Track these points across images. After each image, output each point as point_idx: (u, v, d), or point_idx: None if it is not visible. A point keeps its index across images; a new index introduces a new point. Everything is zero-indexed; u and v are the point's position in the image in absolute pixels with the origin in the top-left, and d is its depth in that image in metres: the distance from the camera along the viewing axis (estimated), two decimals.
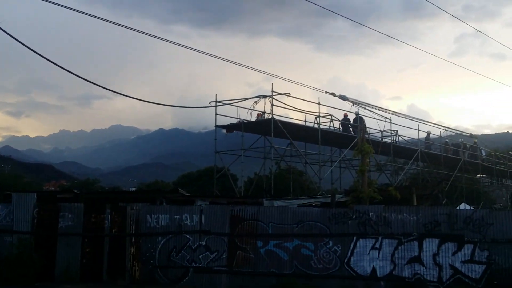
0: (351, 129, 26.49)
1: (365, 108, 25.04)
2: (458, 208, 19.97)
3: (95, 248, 14.76)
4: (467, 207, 25.91)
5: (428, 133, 32.86)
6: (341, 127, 26.69)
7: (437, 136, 33.81)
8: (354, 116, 26.34)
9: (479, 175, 38.69)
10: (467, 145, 35.43)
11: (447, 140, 34.61)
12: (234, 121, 24.11)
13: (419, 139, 31.32)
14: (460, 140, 36.01)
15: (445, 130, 35.26)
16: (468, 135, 39.24)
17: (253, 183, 29.14)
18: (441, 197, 23.33)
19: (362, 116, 25.85)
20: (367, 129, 26.53)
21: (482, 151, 38.22)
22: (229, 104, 23.75)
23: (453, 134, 37.11)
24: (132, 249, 14.66)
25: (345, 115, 26.48)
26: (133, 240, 14.74)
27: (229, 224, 14.37)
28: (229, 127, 25.00)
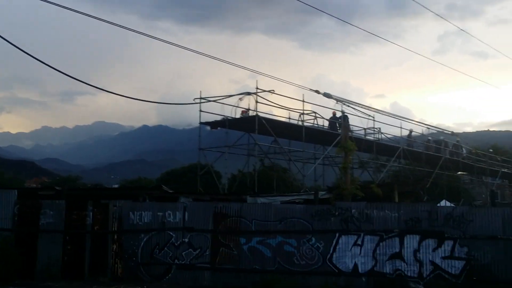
0: (338, 127, 26.64)
1: (349, 106, 25.16)
2: (438, 205, 20.25)
3: (77, 245, 14.63)
4: (448, 204, 26.28)
5: (410, 131, 33.20)
6: (329, 125, 26.84)
7: (419, 134, 34.20)
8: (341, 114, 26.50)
9: (459, 173, 39.26)
10: (448, 143, 35.95)
11: (429, 137, 35.04)
12: (219, 118, 24.08)
13: (401, 137, 31.64)
14: (441, 137, 36.50)
15: (427, 128, 35.73)
16: (450, 133, 39.75)
17: (237, 180, 29.14)
18: (422, 194, 23.66)
19: (347, 114, 26.02)
20: (351, 126, 26.71)
21: (463, 148, 38.79)
22: (214, 101, 23.70)
23: (435, 132, 37.58)
24: (115, 246, 14.58)
25: (334, 114, 26.62)
26: (115, 237, 14.66)
27: (212, 221, 14.38)
28: (214, 124, 24.96)
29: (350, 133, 22.26)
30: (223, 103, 23.29)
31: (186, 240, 14.28)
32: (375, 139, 29.34)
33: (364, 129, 28.58)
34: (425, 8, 26.92)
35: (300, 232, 14.00)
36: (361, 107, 26.44)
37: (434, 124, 38.31)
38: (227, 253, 14.20)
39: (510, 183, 44.89)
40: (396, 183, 18.98)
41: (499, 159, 43.84)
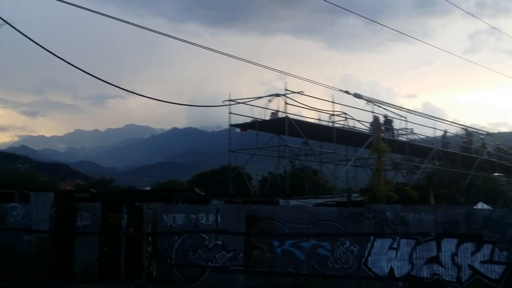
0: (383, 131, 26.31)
1: (380, 106, 24.90)
2: (475, 207, 19.73)
3: (112, 247, 14.83)
4: (485, 206, 25.56)
5: (445, 131, 32.54)
6: (372, 130, 26.51)
7: (453, 135, 33.47)
8: (383, 118, 26.33)
9: (496, 174, 38.22)
10: (486, 144, 35.09)
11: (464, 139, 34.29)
12: (248, 120, 24.13)
13: (434, 137, 31.01)
14: (480, 137, 35.64)
15: (462, 128, 34.93)
16: (485, 133, 38.78)
17: (268, 182, 29.11)
18: (458, 196, 23.09)
19: (391, 118, 25.81)
20: (395, 131, 26.47)
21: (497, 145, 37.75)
22: (243, 103, 23.79)
23: (471, 132, 36.70)
24: (149, 248, 14.73)
25: (376, 118, 26.24)
26: (150, 239, 14.82)
27: (245, 224, 14.33)
28: (243, 126, 25.03)
29: (386, 135, 21.93)
30: (252, 105, 23.36)
31: (219, 242, 14.27)
32: (407, 140, 28.85)
33: (397, 129, 28.15)
34: (455, 6, 26.32)
35: (334, 235, 13.81)
36: (393, 107, 26.11)
37: (468, 124, 37.39)
38: (261, 255, 14.12)
39: None
40: (432, 185, 18.56)
41: None
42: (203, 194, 17.47)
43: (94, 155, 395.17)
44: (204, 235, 14.36)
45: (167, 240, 14.54)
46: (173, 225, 14.61)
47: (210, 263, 14.15)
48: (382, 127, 26.40)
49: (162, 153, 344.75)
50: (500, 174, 38.69)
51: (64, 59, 12.46)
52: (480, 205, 25.99)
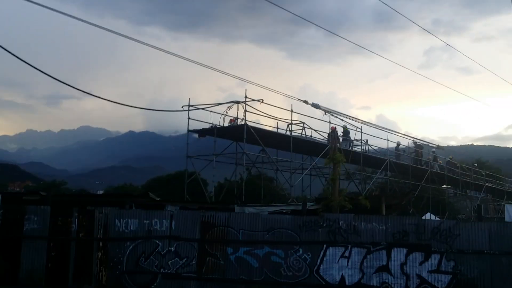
0: (340, 141, 26.78)
1: (336, 117, 25.37)
2: (424, 218, 20.38)
3: (61, 252, 14.37)
4: (433, 217, 26.49)
5: (398, 144, 33.50)
6: (329, 140, 26.90)
7: (405, 147, 34.51)
8: (342, 129, 26.81)
9: (444, 186, 39.67)
10: (438, 158, 36.39)
11: (433, 150, 35.56)
12: (207, 125, 24.04)
13: (388, 149, 31.88)
14: (432, 150, 36.92)
15: (413, 141, 36.06)
16: (435, 146, 40.18)
17: (224, 188, 29.05)
18: (408, 207, 23.81)
19: (349, 130, 26.34)
20: (350, 142, 27.01)
21: (448, 159, 39.21)
22: (202, 108, 23.68)
23: (421, 144, 37.97)
24: (100, 254, 14.36)
25: (333, 128, 26.66)
26: (100, 244, 14.45)
27: (199, 230, 14.25)
28: (202, 132, 24.90)
29: (342, 146, 22.36)
30: (211, 111, 23.29)
31: (173, 249, 14.11)
32: (362, 151, 29.50)
33: (352, 140, 28.76)
34: (412, 22, 27.37)
35: (287, 243, 13.93)
36: (349, 118, 26.68)
37: (419, 137, 38.66)
38: (214, 262, 14.07)
39: (493, 198, 45.39)
40: (384, 196, 19.06)
41: (483, 173, 44.40)
42: (157, 199, 17.23)
43: (46, 157, 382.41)
44: (157, 241, 14.16)
45: (118, 245, 14.24)
46: (126, 230, 14.34)
47: (162, 270, 13.96)
48: (339, 138, 26.93)
49: (117, 157, 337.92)
50: (448, 186, 40.20)
51: (19, 56, 12.06)
52: (428, 216, 26.95)
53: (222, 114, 23.04)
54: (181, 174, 32.08)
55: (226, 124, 23.50)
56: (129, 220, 14.36)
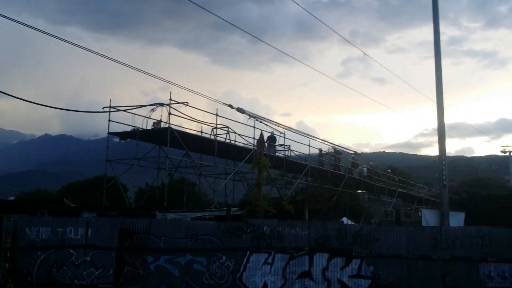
0: (265, 146, 26.78)
1: (261, 122, 25.42)
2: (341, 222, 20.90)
3: None
4: (349, 221, 27.32)
5: (320, 150, 34.31)
6: (257, 146, 26.81)
7: (324, 153, 35.41)
8: (268, 134, 26.88)
9: (359, 191, 41.21)
10: (357, 163, 37.74)
11: (353, 156, 36.70)
12: (129, 128, 23.11)
13: (309, 155, 32.55)
14: (352, 156, 38.21)
15: (332, 146, 37.13)
16: (353, 152, 41.67)
17: (146, 194, 28.13)
18: (328, 212, 24.38)
19: (276, 136, 26.46)
20: (276, 148, 27.15)
21: (364, 168, 40.85)
22: (124, 110, 22.71)
23: (339, 150, 39.20)
24: (7, 265, 13.19)
25: (262, 135, 26.61)
26: (8, 254, 13.28)
27: (118, 238, 13.56)
28: (123, 135, 23.92)
29: (268, 151, 22.42)
30: (134, 113, 22.41)
31: (88, 258, 13.30)
32: (284, 156, 29.86)
33: (276, 145, 29.02)
34: (333, 31, 28.41)
35: (210, 250, 13.63)
36: (273, 124, 26.87)
37: (337, 144, 39.88)
38: (133, 272, 13.43)
39: (404, 203, 47.84)
40: (307, 201, 19.32)
41: (396, 179, 46.72)
42: (73, 205, 16.21)
43: None
44: (71, 251, 13.30)
45: (28, 255, 13.21)
46: (37, 239, 13.35)
47: (76, 281, 13.12)
48: (265, 143, 27.02)
49: (31, 161, 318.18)
50: (363, 191, 41.83)
51: None
52: (345, 220, 27.77)
53: (145, 116, 22.26)
54: (100, 179, 30.69)
55: (149, 127, 22.73)
56: (40, 228, 13.39)
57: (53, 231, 13.33)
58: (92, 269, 13.23)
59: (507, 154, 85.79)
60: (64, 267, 13.15)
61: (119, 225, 13.63)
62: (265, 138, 27.06)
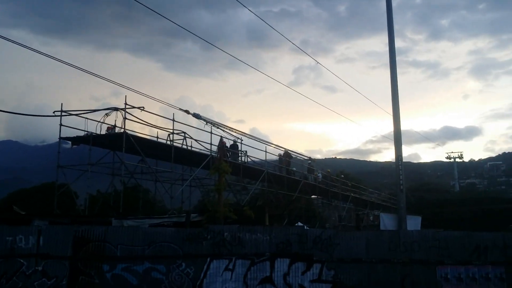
0: (229, 154, 26.56)
1: (218, 127, 25.24)
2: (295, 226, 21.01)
3: None
4: (305, 226, 27.55)
5: (280, 155, 34.44)
6: (218, 152, 26.54)
7: (277, 158, 35.60)
8: (231, 142, 26.69)
9: (313, 196, 41.71)
10: (314, 169, 38.20)
11: (309, 162, 37.08)
12: (81, 133, 22.28)
13: (266, 160, 32.58)
14: (308, 162, 38.60)
15: (285, 151, 37.37)
16: (308, 158, 42.15)
17: (99, 201, 27.22)
18: (285, 217, 24.47)
19: (238, 144, 26.30)
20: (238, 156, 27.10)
21: (319, 174, 41.42)
22: (77, 115, 21.83)
23: (290, 154, 39.53)
24: None
25: (224, 143, 26.35)
26: None
27: (72, 246, 13.00)
28: (75, 140, 23.03)
29: (230, 158, 22.26)
30: (87, 118, 21.62)
31: (40, 268, 12.67)
32: (241, 162, 29.74)
33: (239, 151, 28.89)
34: (286, 38, 28.53)
35: (169, 257, 13.32)
36: (230, 130, 26.74)
37: (290, 150, 40.24)
38: (88, 281, 12.91)
39: (357, 207, 48.82)
40: (267, 206, 19.29)
41: (349, 184, 47.64)
42: (23, 213, 15.42)
43: None
44: (21, 260, 12.62)
45: None
46: None
47: None
48: (228, 151, 26.86)
49: None
50: (318, 196, 42.37)
51: None
52: (300, 225, 27.99)
53: (99, 121, 21.52)
54: (48, 186, 29.53)
55: (103, 132, 22.00)
56: None
57: (2, 240, 12.62)
58: (44, 279, 12.62)
59: (452, 160, 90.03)
60: (14, 278, 12.46)
61: (73, 233, 13.10)
62: (228, 145, 26.98)
